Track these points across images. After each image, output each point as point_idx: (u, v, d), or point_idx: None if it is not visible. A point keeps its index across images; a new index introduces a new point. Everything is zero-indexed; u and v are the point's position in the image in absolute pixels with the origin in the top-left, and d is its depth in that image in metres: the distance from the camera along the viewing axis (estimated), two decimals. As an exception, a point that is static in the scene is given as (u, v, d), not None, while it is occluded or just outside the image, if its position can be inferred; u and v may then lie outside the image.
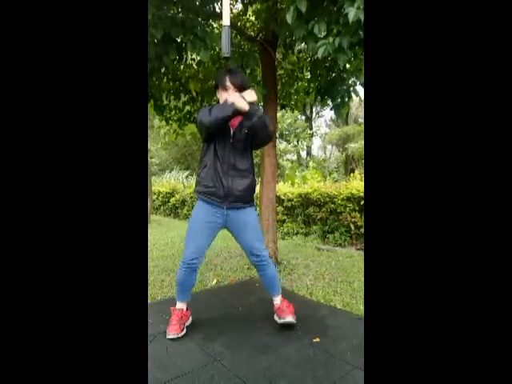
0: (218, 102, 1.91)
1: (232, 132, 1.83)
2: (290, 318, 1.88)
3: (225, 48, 1.56)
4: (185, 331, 1.87)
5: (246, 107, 1.66)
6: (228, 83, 1.78)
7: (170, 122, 3.86)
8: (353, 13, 1.64)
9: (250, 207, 1.91)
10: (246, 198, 1.87)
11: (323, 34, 1.91)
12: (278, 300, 1.99)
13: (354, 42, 1.86)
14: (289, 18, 1.80)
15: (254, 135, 1.82)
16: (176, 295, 1.97)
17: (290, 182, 6.93)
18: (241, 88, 1.79)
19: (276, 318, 1.99)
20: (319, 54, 1.88)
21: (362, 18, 1.63)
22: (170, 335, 1.81)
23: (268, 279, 1.97)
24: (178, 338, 1.82)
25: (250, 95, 1.72)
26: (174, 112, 3.77)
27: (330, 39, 1.87)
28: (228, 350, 1.70)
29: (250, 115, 1.75)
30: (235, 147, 1.83)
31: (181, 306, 1.95)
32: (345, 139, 13.85)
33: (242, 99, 1.67)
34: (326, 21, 1.93)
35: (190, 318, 2.00)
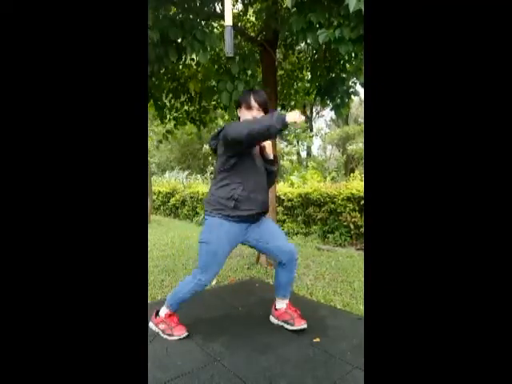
0: (238, 117, 1.92)
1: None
2: (303, 325, 1.89)
3: (228, 48, 1.56)
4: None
5: (300, 118, 1.49)
6: (253, 102, 1.80)
7: (165, 121, 3.84)
8: (353, 3, 1.63)
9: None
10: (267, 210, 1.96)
11: (322, 22, 1.92)
12: (284, 304, 1.98)
13: (353, 37, 1.87)
14: (288, 2, 1.78)
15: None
16: (171, 306, 1.87)
17: (290, 182, 6.94)
18: (264, 107, 1.82)
19: (273, 319, 2.00)
20: (320, 40, 1.89)
21: (362, 8, 1.63)
22: (183, 334, 1.82)
23: (286, 281, 1.95)
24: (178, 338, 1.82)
25: (293, 116, 1.50)
26: (170, 112, 3.76)
27: (331, 30, 1.87)
28: (228, 350, 1.70)
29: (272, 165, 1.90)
30: (262, 168, 1.88)
31: (166, 311, 1.89)
32: (345, 139, 13.85)
33: (294, 114, 1.50)
34: (327, 16, 1.93)
35: None
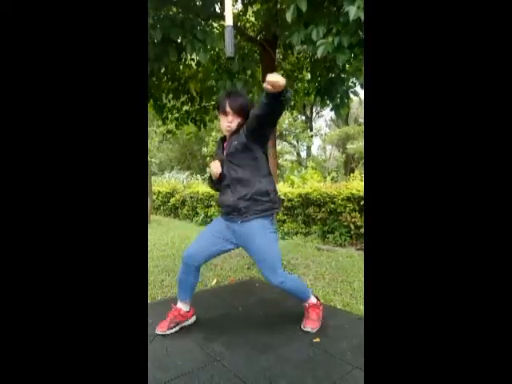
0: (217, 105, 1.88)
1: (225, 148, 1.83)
2: (308, 329, 1.89)
3: (228, 48, 1.53)
4: (174, 330, 1.90)
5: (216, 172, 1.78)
6: (228, 108, 1.72)
7: (167, 121, 3.85)
8: (353, 11, 1.64)
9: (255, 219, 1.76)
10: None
11: (321, 36, 1.92)
12: (306, 304, 1.96)
13: (353, 42, 1.87)
14: (288, 16, 1.80)
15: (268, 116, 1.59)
16: (177, 294, 1.98)
17: (289, 182, 6.94)
18: (240, 113, 1.73)
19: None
20: (318, 54, 1.90)
21: (361, 17, 1.64)
22: (158, 331, 1.88)
23: (289, 293, 1.92)
24: (176, 337, 1.84)
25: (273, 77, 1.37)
26: (171, 112, 3.77)
27: (330, 39, 1.87)
28: (228, 350, 1.70)
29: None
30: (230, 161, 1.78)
31: (181, 305, 1.95)
32: (345, 139, 13.86)
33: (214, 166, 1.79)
34: (326, 22, 1.94)
35: (192, 319, 2.01)
